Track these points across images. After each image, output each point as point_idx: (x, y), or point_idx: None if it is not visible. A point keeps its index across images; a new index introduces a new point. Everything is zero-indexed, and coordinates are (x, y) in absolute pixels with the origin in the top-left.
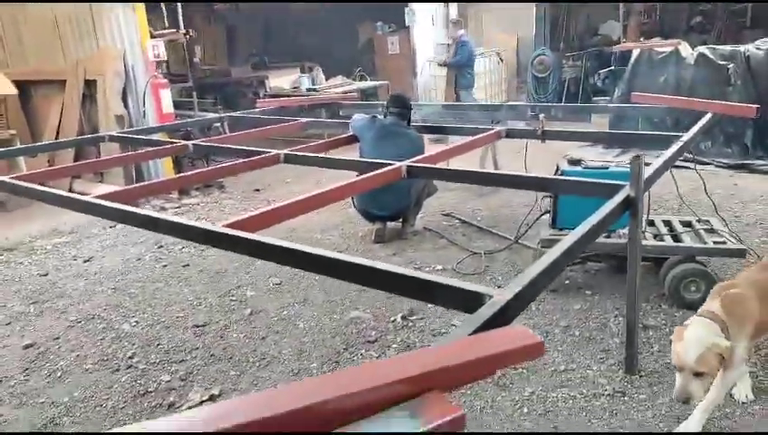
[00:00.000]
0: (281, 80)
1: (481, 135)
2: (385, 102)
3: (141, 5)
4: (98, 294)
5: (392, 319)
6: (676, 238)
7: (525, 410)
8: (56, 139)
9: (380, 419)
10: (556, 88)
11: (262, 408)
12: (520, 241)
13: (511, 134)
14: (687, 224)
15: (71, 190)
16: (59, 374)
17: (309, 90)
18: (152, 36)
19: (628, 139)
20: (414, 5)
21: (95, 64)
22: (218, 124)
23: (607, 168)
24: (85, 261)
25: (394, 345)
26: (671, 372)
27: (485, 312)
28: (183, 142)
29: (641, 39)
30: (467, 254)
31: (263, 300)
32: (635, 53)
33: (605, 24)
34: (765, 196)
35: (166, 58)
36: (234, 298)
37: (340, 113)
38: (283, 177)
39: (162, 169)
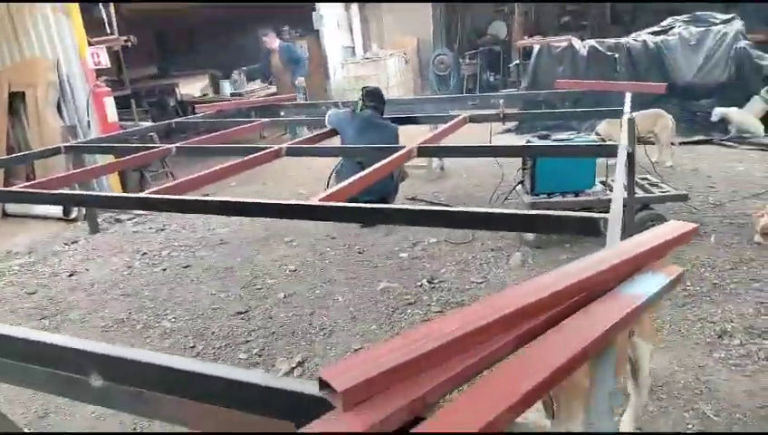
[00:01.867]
0: (190, 87)
1: (451, 122)
2: (359, 98)
3: (76, 9)
4: (111, 302)
5: (419, 284)
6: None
7: None
8: None
9: (634, 280)
10: (456, 84)
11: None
12: None
13: (475, 119)
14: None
15: (4, 212)
16: None
17: (233, 94)
18: (90, 43)
19: (582, 115)
20: (322, 10)
21: (21, 75)
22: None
23: (572, 139)
24: (69, 275)
25: (432, 303)
26: None
27: (615, 228)
28: (166, 146)
29: (524, 37)
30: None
31: (288, 285)
32: (536, 48)
33: (492, 24)
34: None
35: (108, 65)
36: (258, 287)
37: (282, 114)
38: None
39: (107, 185)
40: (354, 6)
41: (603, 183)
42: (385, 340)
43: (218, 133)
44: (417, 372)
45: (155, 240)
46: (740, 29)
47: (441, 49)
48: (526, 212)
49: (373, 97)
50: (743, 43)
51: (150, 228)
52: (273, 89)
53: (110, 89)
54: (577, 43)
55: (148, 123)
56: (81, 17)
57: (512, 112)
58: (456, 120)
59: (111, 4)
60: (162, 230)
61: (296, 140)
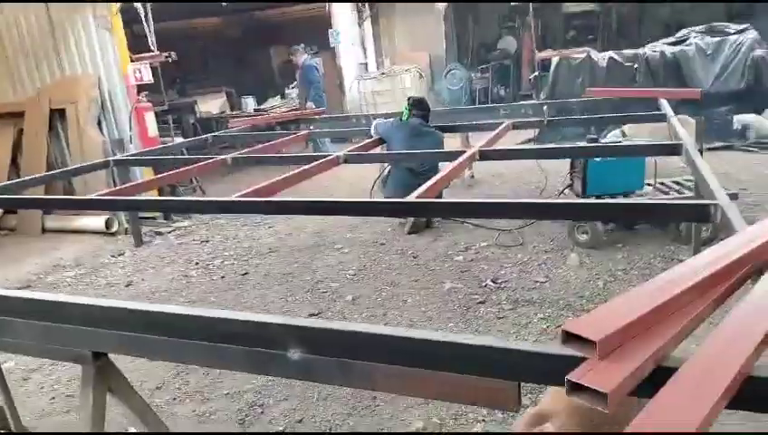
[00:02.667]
0: (208, 105)
1: (498, 129)
2: (406, 106)
3: (119, 25)
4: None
5: (483, 284)
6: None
7: None
8: (8, 177)
9: None
10: (468, 98)
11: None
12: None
13: (518, 126)
14: (677, 183)
15: (43, 228)
16: None
17: (256, 110)
18: (132, 60)
19: (624, 119)
20: (338, 27)
21: (63, 92)
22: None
23: (620, 141)
24: (126, 285)
25: (503, 302)
26: None
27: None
28: (222, 157)
29: (535, 51)
30: (498, 232)
31: (352, 288)
32: (554, 60)
33: (502, 39)
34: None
35: (152, 80)
36: (323, 290)
37: (311, 127)
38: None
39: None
40: (367, 23)
41: (650, 185)
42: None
43: (266, 145)
44: (657, 321)
45: (202, 251)
46: (756, 38)
47: (453, 64)
48: (637, 201)
49: (420, 106)
50: (760, 52)
51: (194, 240)
52: (295, 104)
53: (150, 104)
54: (596, 54)
55: (180, 138)
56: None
57: (554, 118)
58: (501, 127)
59: (152, 21)
60: (206, 242)
61: (350, 148)
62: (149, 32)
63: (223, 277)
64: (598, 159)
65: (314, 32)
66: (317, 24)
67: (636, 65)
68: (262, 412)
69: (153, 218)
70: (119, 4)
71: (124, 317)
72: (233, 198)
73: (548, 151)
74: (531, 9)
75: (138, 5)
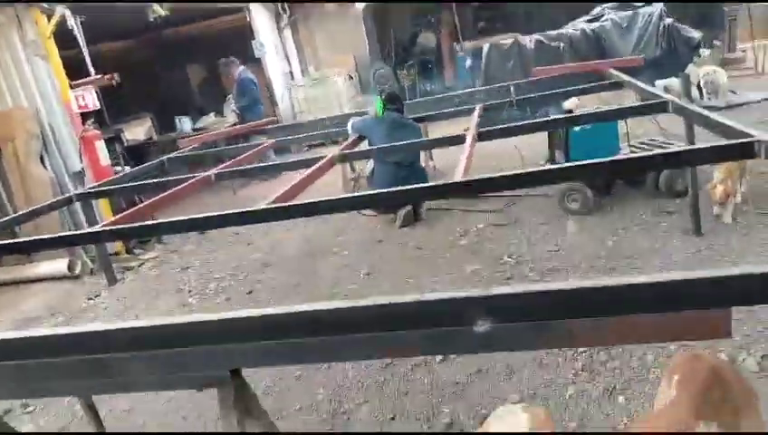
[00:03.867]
0: (133, 131)
1: (474, 115)
2: (380, 101)
3: (54, 52)
4: None
5: (501, 262)
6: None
7: None
8: None
9: None
10: None
11: None
12: (529, 193)
13: (488, 108)
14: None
15: None
16: None
17: (195, 129)
18: (71, 86)
19: (588, 90)
20: (261, 38)
21: None
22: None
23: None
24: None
25: (529, 273)
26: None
27: None
28: (204, 174)
29: (452, 43)
30: (488, 213)
31: (372, 288)
32: (485, 48)
33: (421, 35)
34: None
35: (98, 106)
36: (344, 294)
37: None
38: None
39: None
40: (287, 31)
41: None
42: None
43: (239, 158)
44: None
45: (188, 278)
46: (663, 8)
47: (378, 63)
48: (683, 148)
49: (394, 99)
50: (669, 21)
51: (173, 270)
52: (231, 120)
53: (99, 132)
54: (522, 38)
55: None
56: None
57: (522, 97)
58: (475, 112)
59: (84, 45)
60: (187, 269)
61: (344, 145)
62: (85, 53)
63: (228, 299)
64: (577, 128)
65: (235, 44)
66: (237, 36)
67: (561, 44)
68: (348, 418)
69: (116, 254)
70: (52, 27)
71: (260, 325)
72: (262, 205)
73: (541, 125)
74: (454, 6)
75: (71, 24)
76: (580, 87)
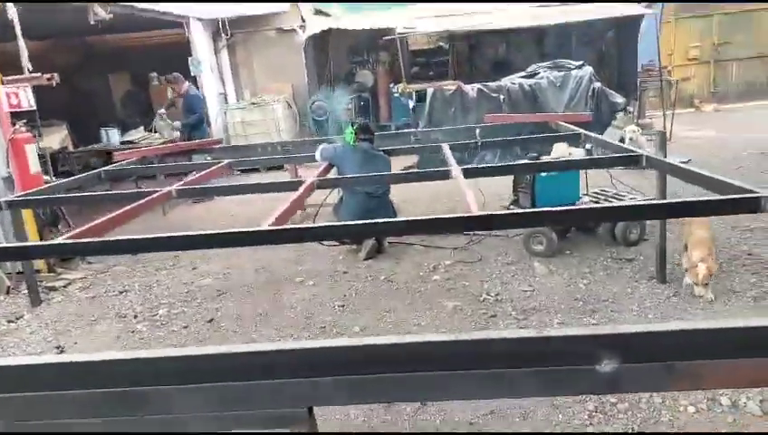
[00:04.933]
0: (47, 139)
1: (441, 151)
2: (351, 131)
3: None
4: None
5: (481, 299)
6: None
7: None
8: None
9: None
10: (335, 129)
11: None
12: (491, 233)
13: (454, 148)
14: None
15: None
16: None
17: (123, 143)
18: (1, 82)
19: (547, 139)
20: (199, 55)
21: None
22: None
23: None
24: (59, 351)
25: (512, 312)
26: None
27: None
28: (165, 189)
29: (390, 84)
30: (451, 250)
31: (349, 319)
32: (429, 91)
33: (359, 72)
34: None
35: (33, 106)
36: (321, 326)
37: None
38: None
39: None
40: (224, 52)
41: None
42: None
43: (197, 176)
44: None
45: (131, 302)
46: (592, 72)
47: (317, 96)
48: (688, 200)
49: (366, 131)
50: (598, 85)
51: (108, 292)
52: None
53: (30, 135)
54: (466, 87)
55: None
56: None
57: (487, 141)
58: (446, 150)
59: (22, 38)
60: (125, 292)
61: (318, 172)
62: (22, 46)
63: (186, 327)
64: (544, 174)
65: (170, 59)
66: (172, 50)
67: (501, 96)
68: None
69: (37, 272)
70: None
71: (343, 357)
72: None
73: (526, 167)
74: (398, 43)
75: (11, 14)
76: (543, 136)
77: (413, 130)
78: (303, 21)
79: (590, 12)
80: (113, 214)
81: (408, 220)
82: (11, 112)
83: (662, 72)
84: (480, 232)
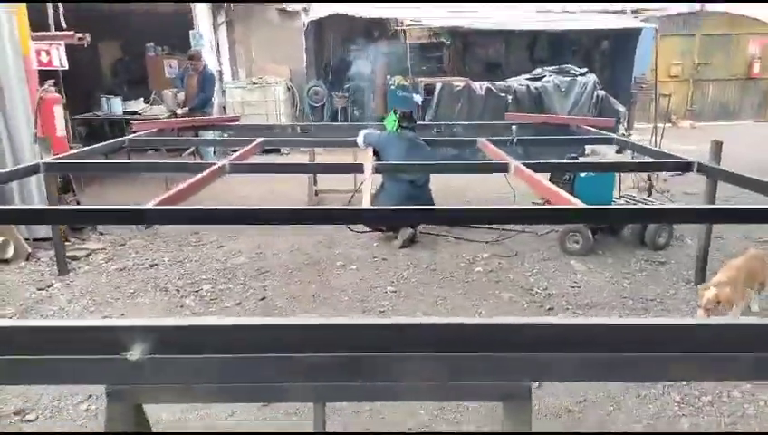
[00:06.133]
0: None
1: (491, 146)
2: (394, 118)
3: None
4: None
5: (532, 292)
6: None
7: None
8: None
9: None
10: (330, 116)
11: None
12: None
13: (493, 143)
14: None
15: None
16: None
17: (126, 113)
18: (33, 39)
19: (578, 142)
20: (201, 29)
21: None
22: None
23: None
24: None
25: (567, 306)
26: None
27: None
28: (219, 163)
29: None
30: (483, 244)
31: (406, 306)
32: (438, 86)
33: (356, 62)
34: None
35: (66, 66)
36: (380, 310)
37: (226, 136)
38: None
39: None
40: (222, 29)
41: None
42: None
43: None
44: None
45: (167, 277)
46: (596, 80)
47: (315, 81)
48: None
49: (409, 120)
50: (602, 92)
51: (136, 264)
52: (159, 109)
53: (59, 96)
54: (474, 84)
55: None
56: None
57: (523, 138)
58: (486, 143)
59: None
60: (156, 265)
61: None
62: (58, 3)
63: (239, 304)
64: (583, 175)
65: (166, 30)
66: (171, 21)
67: (509, 96)
68: None
69: (47, 240)
70: None
71: (562, 334)
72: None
73: (585, 165)
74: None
75: None
76: (580, 137)
77: (443, 123)
78: (308, 3)
79: (592, 21)
80: (181, 186)
81: (466, 209)
82: (40, 71)
83: (658, 85)
84: (510, 228)
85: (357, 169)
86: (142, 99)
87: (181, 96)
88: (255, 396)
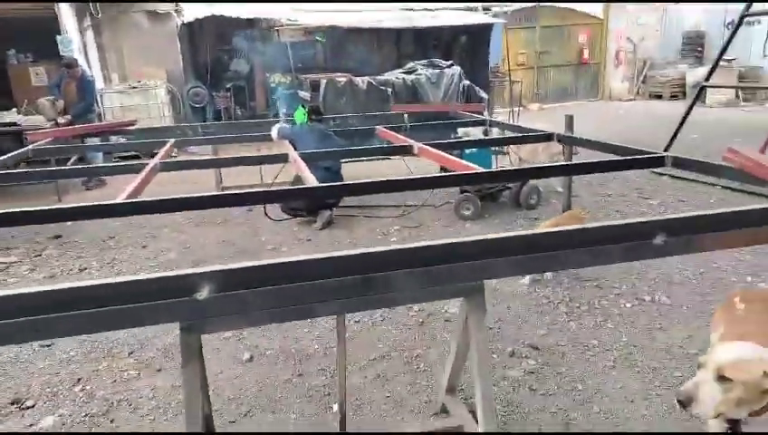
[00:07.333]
0: None
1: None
2: (303, 112)
3: None
4: None
5: None
6: None
7: None
8: None
9: None
10: (213, 116)
11: None
12: (423, 204)
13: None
14: None
15: None
16: None
17: (9, 124)
18: None
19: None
20: (69, 35)
21: None
22: None
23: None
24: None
25: None
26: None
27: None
28: (151, 163)
29: (266, 74)
30: (390, 218)
31: None
32: (323, 82)
33: (235, 61)
34: None
35: None
36: None
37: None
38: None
39: None
40: (89, 33)
41: None
42: None
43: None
44: None
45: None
46: (461, 71)
47: (195, 82)
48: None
49: (318, 113)
50: (467, 82)
51: (65, 272)
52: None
53: None
54: (356, 79)
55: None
56: None
57: (414, 124)
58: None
59: None
60: (86, 269)
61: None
62: None
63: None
64: (468, 151)
65: (28, 36)
66: (33, 26)
67: (389, 89)
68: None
69: None
70: None
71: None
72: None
73: (469, 143)
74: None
75: None
76: (460, 121)
77: (339, 115)
78: (178, 4)
79: (451, 18)
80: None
81: (378, 181)
82: None
83: (510, 73)
84: (411, 204)
85: (282, 158)
86: (14, 109)
87: (60, 104)
88: (294, 315)
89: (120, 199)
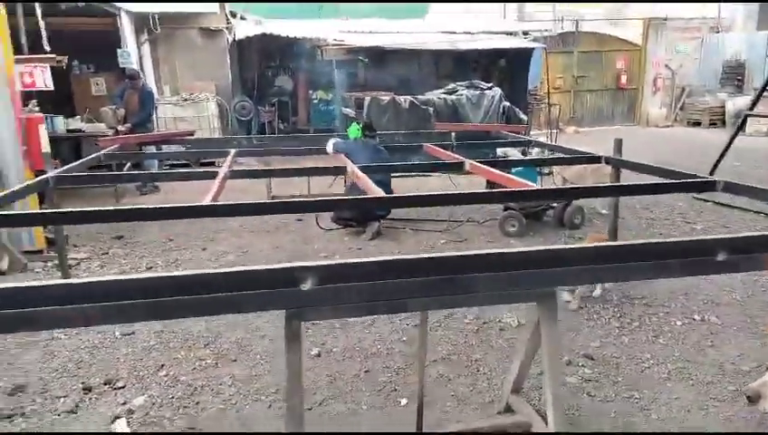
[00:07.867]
0: None
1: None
2: (358, 128)
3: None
4: None
5: None
6: None
7: None
8: None
9: None
10: (258, 129)
11: None
12: (467, 220)
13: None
14: None
15: None
16: None
17: (71, 131)
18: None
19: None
20: (128, 48)
21: None
22: None
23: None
24: None
25: None
26: None
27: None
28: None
29: (308, 91)
30: (437, 232)
31: None
32: (367, 99)
33: (279, 77)
34: None
35: (51, 87)
36: None
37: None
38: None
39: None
40: (146, 46)
41: None
42: None
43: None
44: None
45: None
46: (501, 93)
47: (242, 96)
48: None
49: (371, 129)
50: (507, 104)
51: (134, 269)
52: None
53: (42, 115)
54: (399, 97)
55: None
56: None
57: (461, 142)
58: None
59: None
60: (153, 268)
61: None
62: (41, 24)
63: None
64: (514, 170)
65: (91, 48)
66: (96, 39)
67: (431, 109)
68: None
69: (39, 252)
70: None
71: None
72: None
73: (516, 162)
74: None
75: None
76: (505, 141)
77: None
78: (229, 22)
79: (492, 41)
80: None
81: (431, 194)
82: (24, 92)
83: (549, 96)
84: (455, 220)
85: (341, 170)
86: (78, 117)
87: (121, 113)
88: (384, 308)
89: (205, 202)
